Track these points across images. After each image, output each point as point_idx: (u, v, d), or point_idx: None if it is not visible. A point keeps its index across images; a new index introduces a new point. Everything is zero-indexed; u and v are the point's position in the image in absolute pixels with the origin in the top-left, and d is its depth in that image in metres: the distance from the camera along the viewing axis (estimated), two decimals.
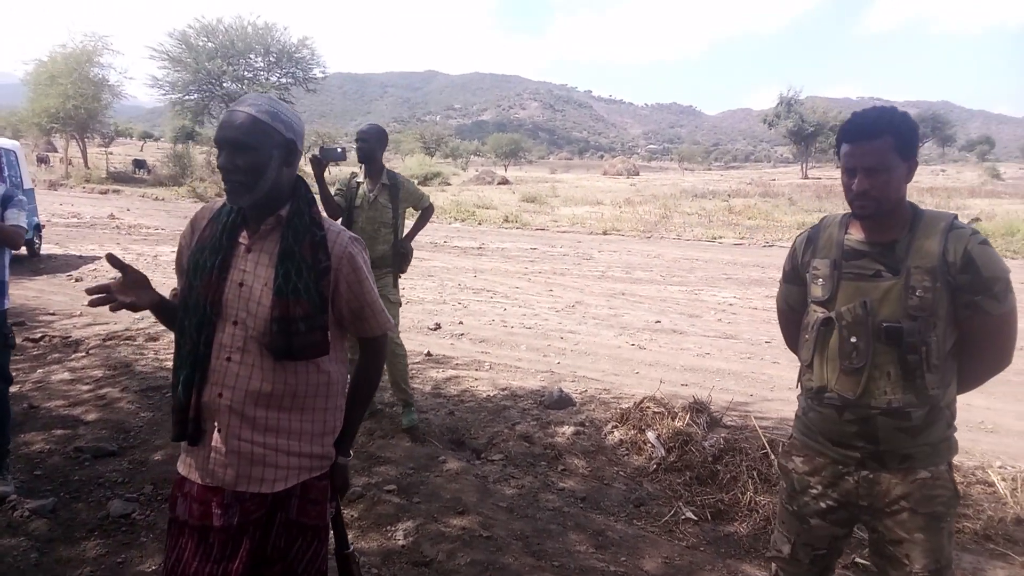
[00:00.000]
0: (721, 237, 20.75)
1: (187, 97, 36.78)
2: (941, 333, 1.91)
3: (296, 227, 1.80)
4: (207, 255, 1.80)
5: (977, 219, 21.40)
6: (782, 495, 2.28)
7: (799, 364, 2.22)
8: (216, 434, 1.75)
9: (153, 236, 15.41)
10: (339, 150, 4.44)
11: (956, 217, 1.95)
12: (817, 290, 2.06)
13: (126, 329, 7.05)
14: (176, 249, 1.96)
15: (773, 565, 2.33)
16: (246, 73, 37.16)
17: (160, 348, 6.39)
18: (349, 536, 2.15)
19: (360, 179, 4.73)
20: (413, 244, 4.91)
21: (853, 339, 1.96)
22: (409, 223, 5.00)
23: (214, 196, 28.98)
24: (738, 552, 3.56)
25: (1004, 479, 3.99)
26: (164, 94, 36.49)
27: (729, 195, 34.59)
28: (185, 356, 1.77)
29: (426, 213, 5.07)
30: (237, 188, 1.74)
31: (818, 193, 35.40)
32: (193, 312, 1.77)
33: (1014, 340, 1.96)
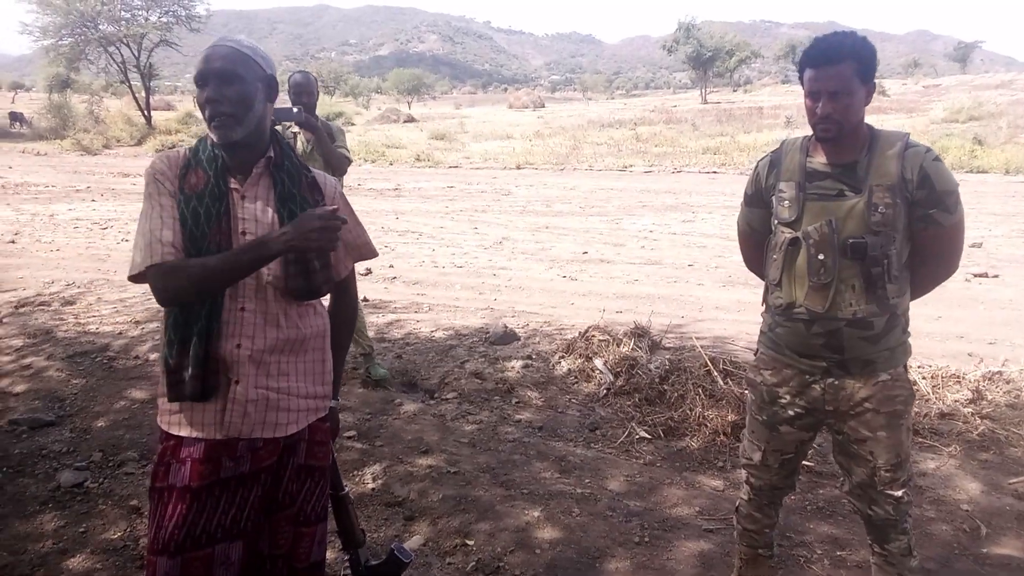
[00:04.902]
0: (631, 166, 21.12)
1: (60, 42, 33.83)
2: (899, 245, 2.05)
3: (288, 170, 1.82)
4: (208, 202, 1.72)
5: None
6: (751, 407, 2.42)
7: (764, 283, 2.33)
8: (235, 386, 1.72)
9: (44, 194, 14.32)
10: (294, 110, 4.13)
11: (909, 136, 2.07)
12: (784, 212, 2.15)
13: (37, 295, 6.62)
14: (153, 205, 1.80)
15: (744, 472, 2.49)
16: (123, 13, 34.32)
17: (80, 312, 6.06)
18: None
19: (296, 130, 4.57)
20: None
21: (821, 256, 2.07)
22: None
23: (101, 148, 27.17)
24: (692, 465, 3.78)
25: (924, 377, 4.33)
26: (35, 40, 33.48)
27: (635, 123, 35.04)
28: (199, 309, 1.70)
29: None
30: (227, 121, 1.69)
31: (719, 118, 36.33)
32: None
33: (961, 248, 2.13)
